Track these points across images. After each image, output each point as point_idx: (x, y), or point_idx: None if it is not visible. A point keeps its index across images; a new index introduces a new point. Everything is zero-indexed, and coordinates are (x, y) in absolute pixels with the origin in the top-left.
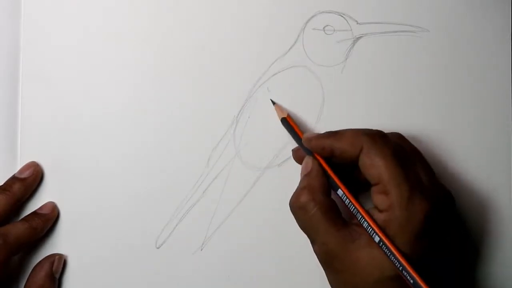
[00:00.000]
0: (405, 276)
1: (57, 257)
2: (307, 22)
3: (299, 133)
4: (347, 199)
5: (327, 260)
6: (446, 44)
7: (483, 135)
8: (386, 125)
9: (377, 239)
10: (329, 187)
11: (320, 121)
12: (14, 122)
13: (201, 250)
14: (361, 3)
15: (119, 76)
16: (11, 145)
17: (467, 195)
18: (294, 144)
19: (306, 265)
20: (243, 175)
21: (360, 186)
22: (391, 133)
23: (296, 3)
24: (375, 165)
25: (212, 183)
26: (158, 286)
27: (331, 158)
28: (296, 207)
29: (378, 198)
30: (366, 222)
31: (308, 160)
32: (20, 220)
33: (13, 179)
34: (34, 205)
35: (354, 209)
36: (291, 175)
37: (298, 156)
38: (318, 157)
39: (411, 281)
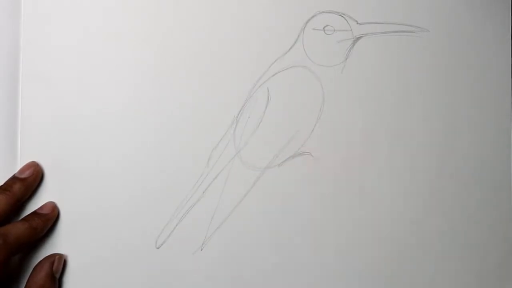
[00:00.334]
0: None
1: (57, 257)
2: (307, 22)
3: None
4: None
5: None
6: (446, 44)
7: (483, 135)
8: (386, 125)
9: None
10: None
11: (320, 121)
12: (14, 122)
13: (201, 250)
14: (361, 3)
15: (119, 76)
16: (11, 145)
17: (467, 195)
18: (294, 146)
19: (306, 265)
20: (243, 175)
21: None
22: None
23: (296, 3)
24: None
25: (212, 183)
26: (158, 286)
27: None
28: None
29: None
30: None
31: None
32: (20, 220)
33: (13, 179)
34: (34, 205)
35: None
36: (291, 175)
37: None
38: None
39: None
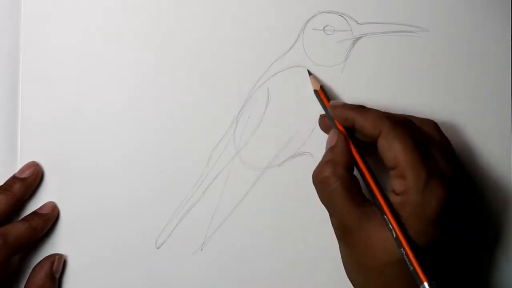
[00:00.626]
0: (407, 262)
1: (57, 257)
2: (307, 22)
3: (326, 102)
4: (366, 178)
5: (342, 234)
6: (446, 44)
7: (483, 135)
8: None
9: (386, 220)
10: (352, 163)
11: None
12: (14, 122)
13: (201, 250)
14: (361, 3)
15: (119, 76)
16: (11, 145)
17: (466, 195)
18: (294, 146)
19: (306, 265)
20: (243, 175)
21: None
22: (425, 119)
23: (296, 3)
24: (392, 149)
25: (212, 183)
26: (158, 286)
27: (352, 131)
28: (318, 180)
29: (395, 182)
30: (378, 203)
31: (334, 133)
32: (20, 220)
33: (13, 179)
34: (34, 205)
35: (370, 188)
36: (291, 175)
37: (323, 123)
38: (345, 133)
39: (411, 268)
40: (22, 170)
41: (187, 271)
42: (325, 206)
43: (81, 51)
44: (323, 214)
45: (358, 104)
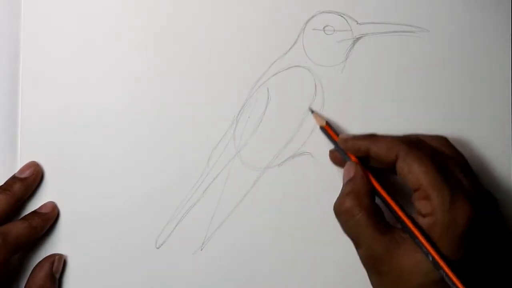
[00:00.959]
0: (447, 281)
1: (57, 257)
2: (307, 22)
3: (335, 137)
4: (390, 205)
5: (372, 263)
6: (446, 44)
7: (483, 135)
8: (386, 125)
9: (420, 244)
10: (373, 192)
11: None
12: (14, 122)
13: (201, 250)
14: (361, 3)
15: (119, 76)
16: (11, 145)
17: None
18: (294, 146)
19: (306, 265)
20: (243, 175)
21: (403, 190)
22: (435, 136)
23: (296, 3)
24: (413, 172)
25: (212, 183)
26: (158, 286)
27: (367, 161)
28: (341, 212)
29: (420, 204)
30: (408, 228)
31: (350, 166)
32: (19, 219)
33: (14, 179)
34: (34, 205)
35: (397, 215)
36: (291, 175)
37: (334, 158)
38: (359, 164)
39: (453, 287)
40: (22, 170)
41: (187, 271)
42: (350, 237)
43: (81, 51)
44: (323, 214)
45: (368, 133)
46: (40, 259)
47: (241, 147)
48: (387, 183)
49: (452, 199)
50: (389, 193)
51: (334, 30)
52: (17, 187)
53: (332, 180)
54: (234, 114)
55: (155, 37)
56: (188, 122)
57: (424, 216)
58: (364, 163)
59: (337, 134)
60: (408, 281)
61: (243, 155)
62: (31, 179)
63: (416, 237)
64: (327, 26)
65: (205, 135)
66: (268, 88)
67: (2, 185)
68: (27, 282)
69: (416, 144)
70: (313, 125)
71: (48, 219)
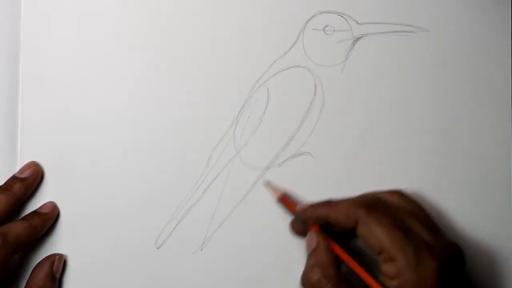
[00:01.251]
0: None
1: (57, 257)
2: (307, 22)
3: (293, 207)
4: (357, 272)
5: None
6: (446, 44)
7: (483, 135)
8: (386, 125)
9: None
10: (338, 260)
11: (320, 121)
12: (14, 122)
13: (201, 250)
14: (361, 3)
15: (119, 76)
16: (11, 145)
17: (467, 195)
18: (294, 146)
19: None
20: (243, 175)
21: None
22: (390, 191)
23: (296, 3)
24: (374, 235)
25: (212, 183)
26: (158, 286)
27: (327, 227)
28: (309, 286)
29: (385, 266)
30: None
31: (312, 236)
32: (19, 219)
33: (14, 178)
34: (34, 205)
35: (365, 282)
36: (291, 175)
37: (296, 228)
38: (321, 232)
39: None
40: (22, 170)
41: (187, 271)
42: None
43: (81, 51)
44: None
45: (324, 199)
46: (40, 259)
47: (241, 147)
48: (353, 245)
49: (416, 257)
50: (355, 258)
51: (334, 30)
52: (17, 187)
53: (332, 180)
54: (234, 114)
55: (155, 37)
56: (188, 122)
57: (391, 278)
58: (326, 230)
59: (293, 202)
60: None
61: (243, 155)
62: (31, 179)
63: None
64: (327, 26)
65: (205, 135)
66: (268, 88)
67: (2, 185)
68: (27, 282)
69: (373, 206)
70: (313, 125)
71: (48, 219)
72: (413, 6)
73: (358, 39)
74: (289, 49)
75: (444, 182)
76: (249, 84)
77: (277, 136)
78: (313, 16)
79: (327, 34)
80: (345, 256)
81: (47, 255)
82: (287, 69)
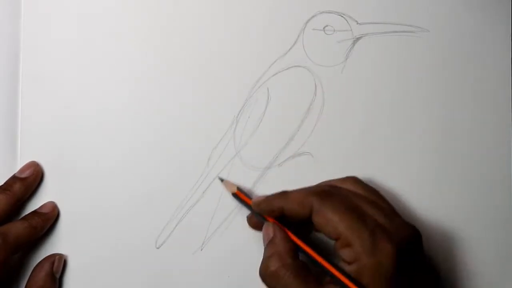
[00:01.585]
0: None
1: (57, 257)
2: (307, 22)
3: (248, 201)
4: (315, 259)
5: None
6: (446, 44)
7: (483, 135)
8: (386, 125)
9: None
10: (295, 250)
11: (320, 121)
12: (14, 122)
13: (201, 250)
14: (361, 3)
15: (119, 76)
16: (11, 145)
17: (467, 195)
18: (294, 146)
19: None
20: (243, 175)
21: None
22: (344, 178)
23: (296, 3)
24: (329, 222)
25: (212, 183)
26: (158, 286)
27: (284, 218)
28: (267, 276)
29: (343, 252)
30: (338, 279)
31: (268, 227)
32: (19, 219)
33: (14, 178)
34: (34, 205)
35: (323, 267)
36: (291, 175)
37: (252, 223)
38: (277, 223)
39: None
40: (22, 170)
41: (187, 271)
42: None
43: (81, 51)
44: None
45: (279, 191)
46: (40, 259)
47: (241, 147)
48: (312, 235)
49: (373, 241)
50: (312, 247)
51: (334, 30)
52: (17, 187)
53: None
54: (234, 114)
55: (155, 37)
56: (188, 122)
57: (349, 263)
58: (282, 221)
59: (248, 196)
60: None
61: (243, 155)
62: (31, 179)
63: (347, 286)
64: (327, 26)
65: (205, 135)
66: (268, 88)
67: (2, 185)
68: (27, 282)
69: (327, 193)
70: (313, 125)
71: (48, 219)
72: (413, 6)
73: (358, 39)
74: (289, 49)
75: (444, 182)
76: (249, 84)
77: (277, 136)
78: (313, 16)
79: (327, 34)
80: (302, 244)
81: (47, 255)
82: (287, 69)
